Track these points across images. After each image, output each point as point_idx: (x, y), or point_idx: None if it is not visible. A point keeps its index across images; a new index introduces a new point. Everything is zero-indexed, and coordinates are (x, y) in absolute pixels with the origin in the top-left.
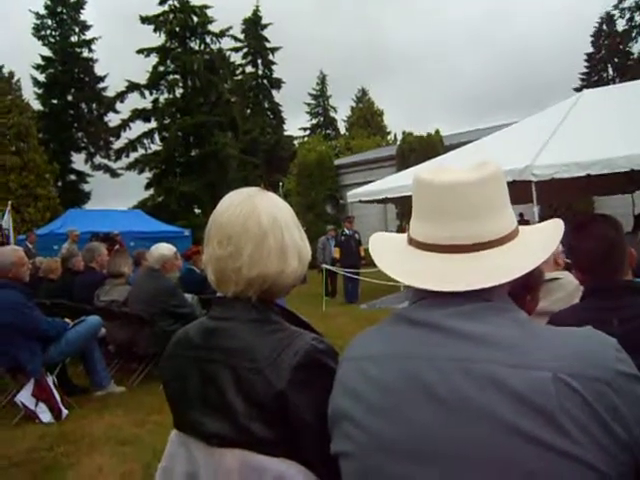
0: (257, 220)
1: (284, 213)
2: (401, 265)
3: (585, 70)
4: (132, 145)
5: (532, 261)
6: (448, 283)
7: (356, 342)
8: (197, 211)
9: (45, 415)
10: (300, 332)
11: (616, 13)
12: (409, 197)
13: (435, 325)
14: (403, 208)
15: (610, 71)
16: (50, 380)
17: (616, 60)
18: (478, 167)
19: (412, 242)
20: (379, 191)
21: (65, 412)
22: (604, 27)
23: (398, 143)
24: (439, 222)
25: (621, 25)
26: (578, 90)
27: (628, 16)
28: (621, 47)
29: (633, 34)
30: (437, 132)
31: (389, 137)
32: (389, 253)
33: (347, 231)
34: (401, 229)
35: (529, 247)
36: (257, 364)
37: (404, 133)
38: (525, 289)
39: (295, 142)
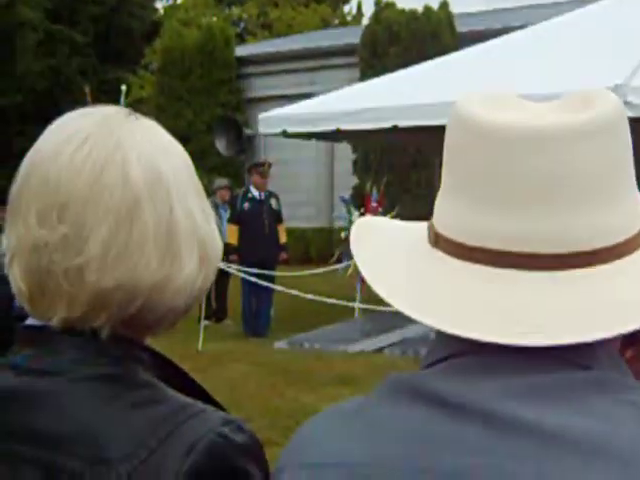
0: (121, 174)
1: (175, 162)
2: (420, 289)
3: None
4: None
5: None
6: (515, 328)
7: (315, 431)
8: None
9: None
10: (197, 407)
11: None
12: (384, 131)
13: (485, 412)
14: (371, 153)
15: None
16: None
17: None
18: (583, 102)
19: (440, 242)
20: (324, 115)
21: None
22: None
23: (365, 22)
24: (501, 207)
25: None
26: None
27: None
28: None
29: None
30: (444, 5)
31: (347, 8)
32: (395, 262)
33: (255, 192)
34: (362, 195)
35: None
36: (104, 467)
37: (379, 4)
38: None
39: (158, 5)
